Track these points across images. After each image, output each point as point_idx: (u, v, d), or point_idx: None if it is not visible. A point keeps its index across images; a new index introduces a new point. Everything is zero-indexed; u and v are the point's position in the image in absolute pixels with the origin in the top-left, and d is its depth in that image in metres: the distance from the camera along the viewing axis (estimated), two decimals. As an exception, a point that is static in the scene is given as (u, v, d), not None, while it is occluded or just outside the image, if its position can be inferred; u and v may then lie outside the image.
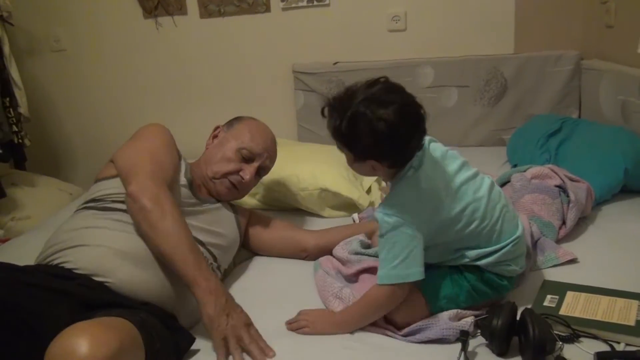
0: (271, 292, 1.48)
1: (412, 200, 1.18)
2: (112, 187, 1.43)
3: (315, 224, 1.87)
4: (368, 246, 1.53)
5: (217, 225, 1.53)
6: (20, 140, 2.62)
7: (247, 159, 1.60)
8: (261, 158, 1.62)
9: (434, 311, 1.24)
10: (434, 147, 1.29)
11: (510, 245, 1.25)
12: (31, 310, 1.08)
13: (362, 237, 1.56)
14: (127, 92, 3.02)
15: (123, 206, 1.36)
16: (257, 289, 1.48)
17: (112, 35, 2.93)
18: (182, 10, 2.81)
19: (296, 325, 1.28)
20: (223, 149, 1.61)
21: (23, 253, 1.55)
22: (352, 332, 1.25)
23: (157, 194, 1.31)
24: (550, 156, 2.07)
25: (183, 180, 1.52)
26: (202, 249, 1.39)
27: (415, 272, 1.18)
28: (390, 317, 1.25)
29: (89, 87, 3.04)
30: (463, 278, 1.26)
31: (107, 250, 1.26)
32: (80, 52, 2.98)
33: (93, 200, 1.42)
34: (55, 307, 1.11)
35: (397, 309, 1.23)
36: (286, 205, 2.01)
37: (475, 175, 1.27)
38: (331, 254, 1.55)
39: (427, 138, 1.22)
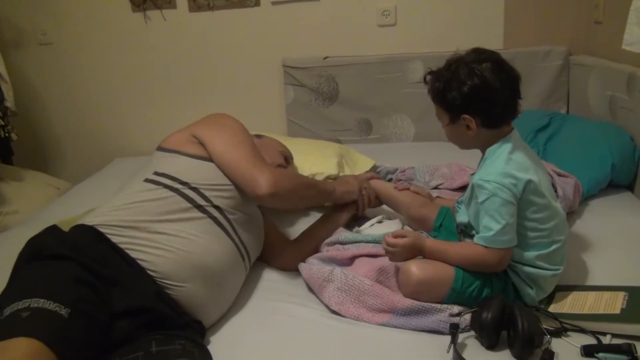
0: (265, 285, 1.48)
1: (507, 167, 1.21)
2: (209, 176, 1.38)
3: (302, 219, 1.85)
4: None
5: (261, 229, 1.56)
6: (7, 134, 2.59)
7: (287, 161, 1.75)
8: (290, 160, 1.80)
9: (447, 300, 1.25)
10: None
11: (550, 272, 1.26)
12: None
13: (343, 229, 1.57)
14: (115, 86, 2.99)
15: (215, 212, 1.34)
16: (249, 281, 1.48)
17: (100, 28, 2.90)
18: (171, 3, 2.79)
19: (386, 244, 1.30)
20: (267, 150, 1.66)
21: (10, 248, 1.53)
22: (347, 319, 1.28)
23: (288, 181, 1.42)
24: (538, 151, 2.09)
25: None
26: (242, 250, 1.40)
27: (513, 238, 1.22)
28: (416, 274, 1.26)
29: (77, 81, 3.01)
30: (489, 282, 1.26)
31: (186, 256, 1.25)
32: (68, 45, 2.95)
33: (187, 184, 1.34)
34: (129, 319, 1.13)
35: (426, 272, 1.26)
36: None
37: (556, 198, 1.31)
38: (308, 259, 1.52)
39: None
